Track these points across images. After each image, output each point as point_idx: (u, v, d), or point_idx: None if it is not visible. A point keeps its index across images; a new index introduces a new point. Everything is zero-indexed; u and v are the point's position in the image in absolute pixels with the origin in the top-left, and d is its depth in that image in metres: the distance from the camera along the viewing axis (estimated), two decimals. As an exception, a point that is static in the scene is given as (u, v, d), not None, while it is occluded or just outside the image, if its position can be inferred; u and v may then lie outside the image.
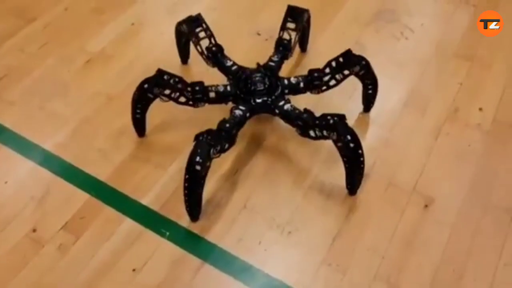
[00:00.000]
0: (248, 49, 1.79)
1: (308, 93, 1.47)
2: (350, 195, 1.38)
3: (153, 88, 1.37)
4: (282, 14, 1.60)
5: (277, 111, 1.43)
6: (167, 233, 1.32)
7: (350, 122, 1.52)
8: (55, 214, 1.36)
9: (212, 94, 1.43)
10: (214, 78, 1.55)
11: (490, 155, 1.48)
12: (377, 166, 1.45)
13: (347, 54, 1.43)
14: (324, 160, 1.45)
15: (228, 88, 1.46)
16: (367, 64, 1.44)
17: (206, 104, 1.43)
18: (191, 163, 1.24)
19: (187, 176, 1.25)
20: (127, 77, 1.69)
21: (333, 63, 1.43)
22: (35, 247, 1.29)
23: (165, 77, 1.37)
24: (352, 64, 1.43)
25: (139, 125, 1.50)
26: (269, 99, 1.44)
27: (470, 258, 1.27)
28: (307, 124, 1.35)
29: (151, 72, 1.46)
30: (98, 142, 1.52)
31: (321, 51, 1.75)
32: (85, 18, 1.90)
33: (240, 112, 1.41)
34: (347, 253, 1.28)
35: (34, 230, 1.33)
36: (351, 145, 1.28)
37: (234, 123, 1.37)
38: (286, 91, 1.48)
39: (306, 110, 1.38)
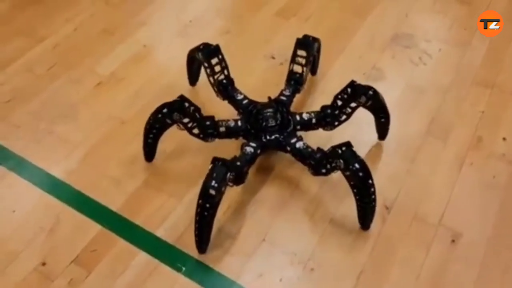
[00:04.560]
0: (263, 73, 1.75)
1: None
2: (363, 230, 1.32)
3: (173, 113, 1.32)
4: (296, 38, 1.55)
5: (288, 148, 1.37)
6: (184, 268, 1.25)
7: (366, 150, 1.49)
8: (66, 246, 1.30)
9: (222, 129, 1.38)
10: (223, 103, 1.51)
11: (516, 187, 1.43)
12: (400, 199, 1.39)
13: (352, 85, 1.36)
14: (342, 194, 1.37)
15: (239, 123, 1.41)
16: (375, 94, 1.37)
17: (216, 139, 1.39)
18: (205, 187, 1.19)
19: (200, 201, 1.20)
20: (139, 101, 1.64)
21: (340, 96, 1.37)
22: (45, 282, 1.23)
23: (186, 104, 1.32)
24: (357, 95, 1.36)
25: (150, 150, 1.44)
26: (281, 136, 1.38)
27: (501, 297, 1.22)
28: (320, 164, 1.29)
29: (163, 97, 1.40)
30: (110, 169, 1.46)
31: (337, 76, 1.71)
32: (94, 39, 1.86)
33: (251, 150, 1.35)
34: (373, 292, 1.22)
35: (44, 264, 1.26)
36: (360, 174, 1.21)
37: (245, 161, 1.32)
38: (298, 127, 1.42)
39: (319, 149, 1.32)
